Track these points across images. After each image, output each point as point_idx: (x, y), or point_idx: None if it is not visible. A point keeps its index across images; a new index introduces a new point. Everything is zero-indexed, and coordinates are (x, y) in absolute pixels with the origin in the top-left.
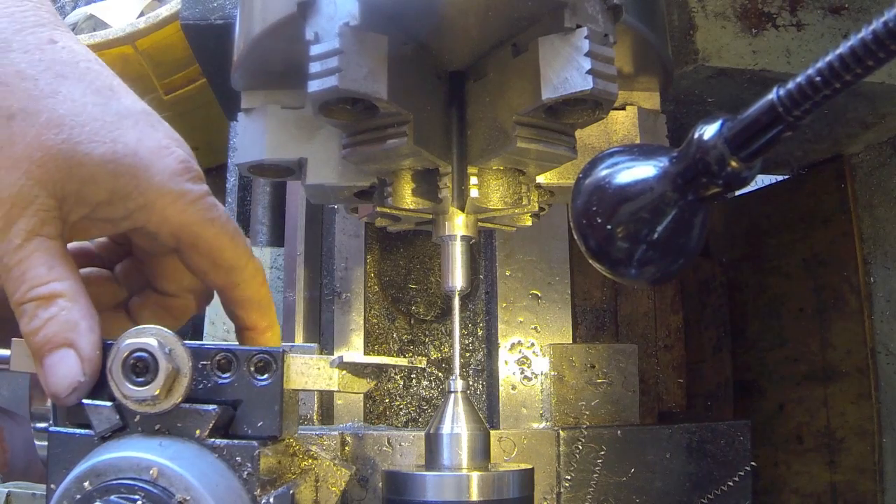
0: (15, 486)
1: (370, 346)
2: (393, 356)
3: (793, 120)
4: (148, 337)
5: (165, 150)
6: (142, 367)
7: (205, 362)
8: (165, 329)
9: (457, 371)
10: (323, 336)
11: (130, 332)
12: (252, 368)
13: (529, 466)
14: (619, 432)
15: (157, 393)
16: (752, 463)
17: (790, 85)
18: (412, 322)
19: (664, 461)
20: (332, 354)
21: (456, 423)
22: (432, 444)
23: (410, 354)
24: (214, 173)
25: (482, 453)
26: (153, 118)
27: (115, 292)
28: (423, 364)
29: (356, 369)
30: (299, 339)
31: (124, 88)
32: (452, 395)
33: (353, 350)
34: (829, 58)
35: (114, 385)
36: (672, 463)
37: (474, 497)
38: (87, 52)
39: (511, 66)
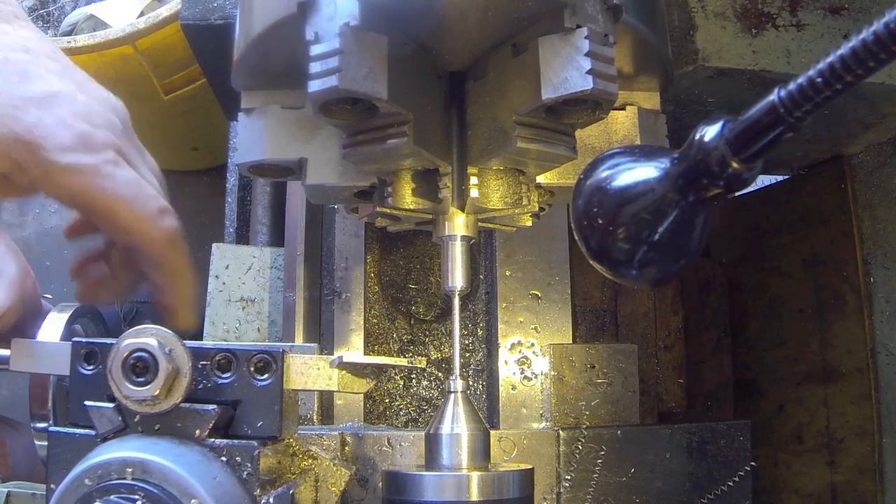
0: (15, 486)
1: (370, 346)
2: (393, 356)
3: (794, 121)
4: (148, 337)
5: (64, 127)
6: (142, 367)
7: (205, 362)
8: (165, 329)
9: (457, 371)
10: (323, 336)
11: (130, 332)
12: (252, 368)
13: (529, 466)
14: (619, 432)
15: (157, 393)
16: (752, 463)
17: (791, 86)
18: (412, 322)
19: (664, 461)
20: (332, 354)
21: (456, 423)
22: (432, 444)
23: (410, 354)
24: (214, 173)
25: (482, 453)
26: (62, 98)
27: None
28: (423, 364)
29: (356, 369)
30: (299, 339)
31: (43, 73)
32: (452, 395)
33: (353, 350)
34: (829, 59)
35: (114, 385)
36: (672, 463)
37: (474, 497)
38: (15, 41)
39: (511, 66)
